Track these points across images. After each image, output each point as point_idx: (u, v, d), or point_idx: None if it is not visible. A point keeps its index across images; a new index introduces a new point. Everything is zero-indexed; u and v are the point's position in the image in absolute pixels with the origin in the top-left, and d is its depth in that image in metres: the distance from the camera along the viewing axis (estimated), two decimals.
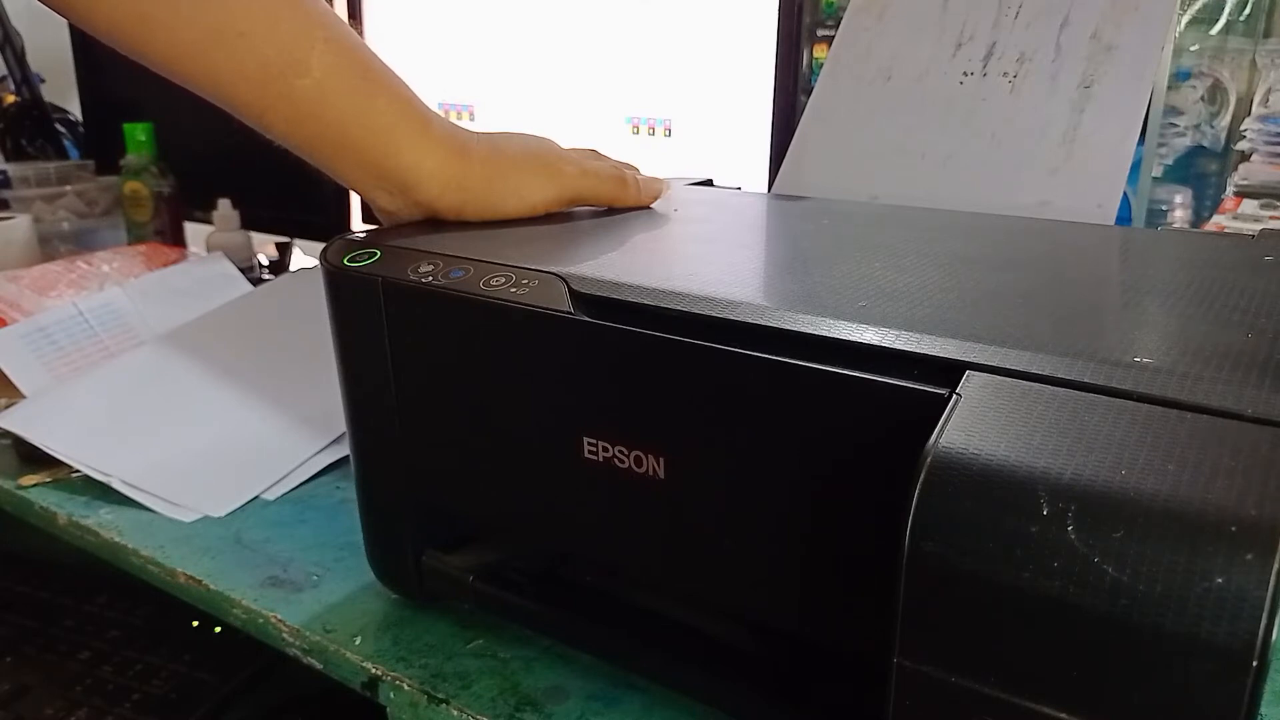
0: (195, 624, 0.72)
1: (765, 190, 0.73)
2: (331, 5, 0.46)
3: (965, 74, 0.57)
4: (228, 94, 0.43)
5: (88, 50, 1.25)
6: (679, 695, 0.42)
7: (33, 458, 0.65)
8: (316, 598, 0.51)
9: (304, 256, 1.19)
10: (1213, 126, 0.99)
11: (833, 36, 0.63)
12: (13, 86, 1.31)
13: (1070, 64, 0.54)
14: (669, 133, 0.81)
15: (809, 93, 0.63)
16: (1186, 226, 0.99)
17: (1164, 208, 1.00)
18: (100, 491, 0.62)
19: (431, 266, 0.41)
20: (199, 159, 1.14)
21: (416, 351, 0.42)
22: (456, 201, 0.47)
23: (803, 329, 0.31)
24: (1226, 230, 0.86)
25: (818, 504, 0.32)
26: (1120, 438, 0.25)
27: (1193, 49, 0.99)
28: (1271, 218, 0.86)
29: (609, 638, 0.42)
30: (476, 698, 0.43)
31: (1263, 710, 0.27)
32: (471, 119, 0.93)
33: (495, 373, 0.39)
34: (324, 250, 0.44)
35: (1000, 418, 0.26)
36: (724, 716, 0.40)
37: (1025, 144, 0.54)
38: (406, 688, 0.44)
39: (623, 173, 0.52)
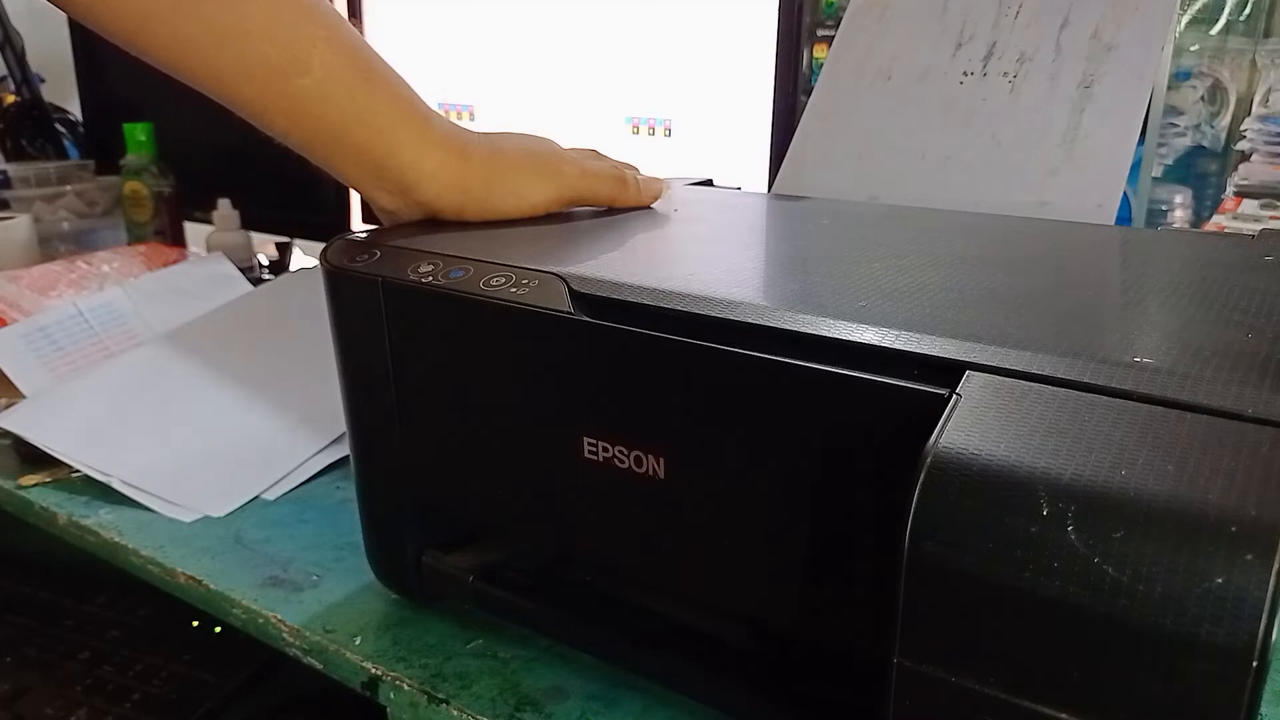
0: (195, 624, 0.72)
1: (765, 190, 0.73)
2: (332, 4, 0.46)
3: (965, 74, 0.57)
4: (229, 92, 0.43)
5: (88, 50, 1.25)
6: (679, 695, 0.42)
7: (33, 458, 0.65)
8: (316, 598, 0.51)
9: (304, 256, 1.19)
10: (1213, 126, 0.99)
11: (833, 36, 0.63)
12: (13, 86, 1.31)
13: (1070, 64, 0.54)
14: (669, 133, 0.81)
15: (809, 93, 0.63)
16: (1186, 226, 0.99)
17: (1164, 208, 1.00)
18: (100, 491, 0.62)
19: (431, 266, 0.41)
20: (199, 159, 1.14)
21: (416, 351, 0.42)
22: (456, 202, 0.47)
23: (803, 329, 0.31)
24: (1226, 230, 0.86)
25: (818, 504, 0.32)
26: (1120, 438, 0.25)
27: (1193, 49, 0.99)
28: (1271, 218, 0.86)
29: (609, 638, 0.42)
30: (476, 698, 0.43)
31: (1263, 710, 0.27)
32: (471, 119, 0.93)
33: (495, 373, 0.39)
34: (324, 250, 0.44)
35: (1000, 418, 0.26)
36: (723, 716, 0.40)
37: (1025, 144, 0.54)
38: (406, 688, 0.44)
39: (623, 173, 0.52)
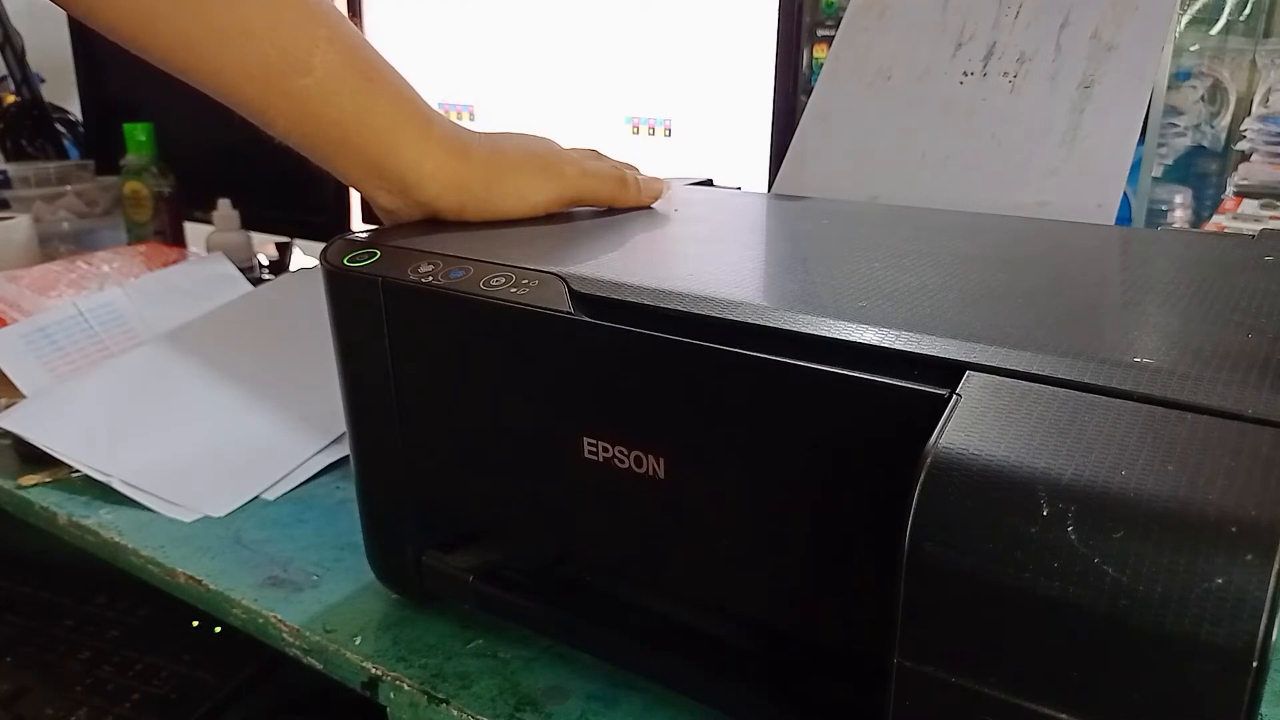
0: (195, 624, 0.72)
1: (765, 190, 0.73)
2: (333, 4, 0.46)
3: (965, 74, 0.57)
4: (229, 91, 0.43)
5: (88, 50, 1.25)
6: (679, 695, 0.42)
7: (33, 458, 0.65)
8: (316, 598, 0.51)
9: (304, 256, 1.19)
10: (1213, 126, 0.99)
11: (833, 36, 0.63)
12: (13, 86, 1.31)
13: (1070, 64, 0.54)
14: (669, 133, 0.81)
15: (809, 93, 0.63)
16: (1186, 226, 0.99)
17: (1164, 208, 1.00)
18: (100, 491, 0.62)
19: (431, 266, 0.41)
20: (199, 159, 1.14)
21: (416, 351, 0.42)
22: (457, 202, 0.47)
23: (803, 329, 0.31)
24: (1226, 230, 0.86)
25: (818, 504, 0.32)
26: (1120, 438, 0.25)
27: (1193, 49, 0.99)
28: (1271, 218, 0.86)
29: (609, 638, 0.42)
30: (476, 698, 0.43)
31: (1263, 710, 0.27)
32: (471, 119, 0.93)
33: (495, 373, 0.39)
34: (324, 250, 0.44)
35: (1000, 418, 0.26)
36: (723, 716, 0.40)
37: (1025, 144, 0.54)
38: (406, 688, 0.44)
39: (623, 173, 0.52)
